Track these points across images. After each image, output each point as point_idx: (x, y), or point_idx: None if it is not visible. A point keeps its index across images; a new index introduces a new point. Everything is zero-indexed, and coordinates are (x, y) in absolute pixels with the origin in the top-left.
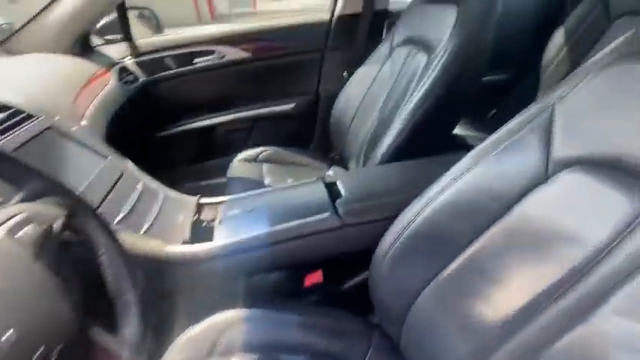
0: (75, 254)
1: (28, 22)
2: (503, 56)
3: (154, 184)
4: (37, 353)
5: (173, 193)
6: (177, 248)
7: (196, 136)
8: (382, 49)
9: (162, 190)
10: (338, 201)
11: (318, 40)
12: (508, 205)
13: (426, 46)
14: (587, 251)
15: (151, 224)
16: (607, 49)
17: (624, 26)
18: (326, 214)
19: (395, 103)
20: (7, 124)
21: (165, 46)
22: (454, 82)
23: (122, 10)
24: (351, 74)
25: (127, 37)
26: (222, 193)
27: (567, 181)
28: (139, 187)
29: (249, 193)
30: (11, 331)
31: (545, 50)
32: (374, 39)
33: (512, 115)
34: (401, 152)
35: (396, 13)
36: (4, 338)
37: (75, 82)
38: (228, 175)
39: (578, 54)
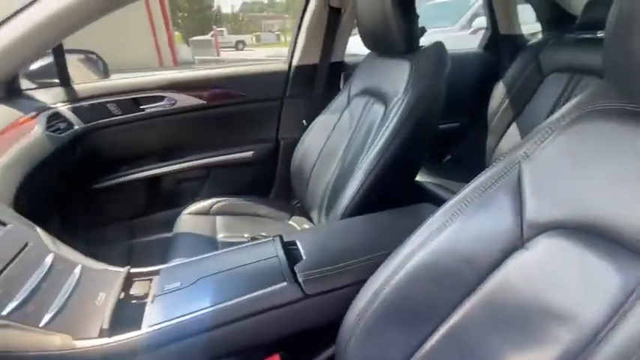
0: None
1: None
2: (454, 106)
3: (70, 253)
4: None
5: (95, 265)
6: (90, 342)
7: (141, 188)
8: (340, 98)
9: (81, 262)
10: (297, 266)
11: (277, 89)
12: (486, 272)
13: (383, 98)
14: (583, 334)
15: (57, 312)
16: (569, 106)
17: (555, 82)
18: (284, 284)
19: (355, 153)
20: None
21: (108, 91)
22: (413, 131)
23: (59, 52)
24: (309, 122)
25: (64, 82)
26: (168, 253)
27: (546, 247)
28: (48, 260)
29: (191, 259)
30: None
31: (490, 100)
32: (331, 89)
33: (468, 160)
34: (364, 203)
35: (352, 65)
36: None
37: None
38: (175, 230)
39: (519, 104)
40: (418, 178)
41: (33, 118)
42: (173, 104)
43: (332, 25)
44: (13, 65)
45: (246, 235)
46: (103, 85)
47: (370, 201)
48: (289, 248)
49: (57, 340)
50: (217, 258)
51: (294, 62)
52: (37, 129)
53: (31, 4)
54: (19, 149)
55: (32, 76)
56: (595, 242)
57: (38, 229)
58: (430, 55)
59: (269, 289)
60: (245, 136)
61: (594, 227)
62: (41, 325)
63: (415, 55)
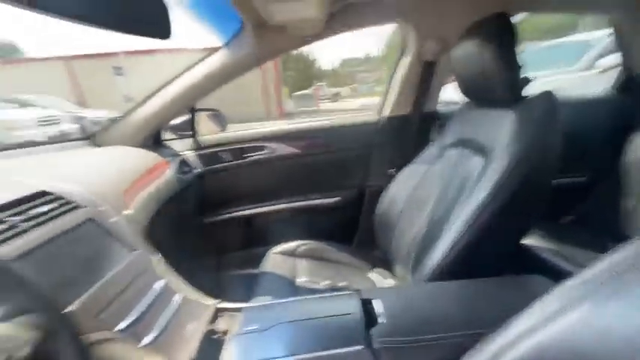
0: None
1: (116, 120)
2: (580, 157)
3: (174, 282)
4: None
5: (193, 295)
6: None
7: (241, 224)
8: (432, 149)
9: (182, 291)
10: (375, 329)
11: (366, 138)
12: None
13: (482, 149)
14: None
15: (156, 336)
16: None
17: None
18: (358, 348)
19: (447, 207)
20: (51, 213)
21: (222, 142)
22: (519, 187)
23: (192, 112)
24: (397, 171)
25: (192, 135)
26: (253, 288)
27: None
28: (157, 286)
29: (271, 302)
30: None
31: (626, 151)
32: (421, 139)
33: (595, 223)
34: (458, 266)
35: (445, 114)
36: None
37: (133, 172)
38: (261, 268)
39: None
40: (527, 240)
41: (168, 162)
42: (272, 153)
43: (425, 77)
44: (160, 122)
45: (324, 283)
46: (218, 137)
47: (465, 264)
48: (368, 306)
49: None
50: (295, 305)
51: (385, 113)
52: (169, 171)
53: (175, 78)
54: (156, 186)
55: (171, 129)
56: None
57: (155, 258)
58: (538, 105)
59: (342, 350)
60: (332, 183)
61: None
62: (141, 345)
63: (520, 104)
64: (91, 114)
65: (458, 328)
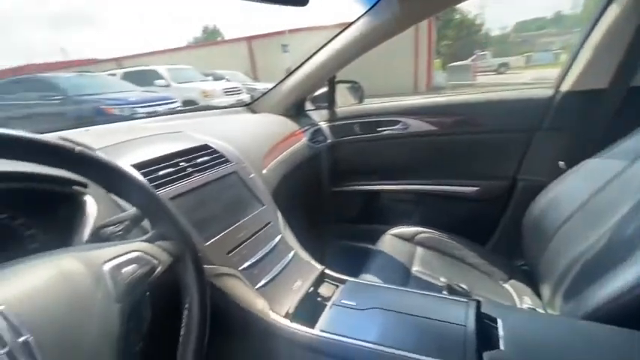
0: (159, 299)
1: (268, 91)
2: None
3: (290, 240)
4: None
5: (304, 255)
6: (276, 317)
7: (364, 198)
8: (633, 141)
9: (295, 249)
10: (489, 354)
11: (530, 119)
12: None
13: None
14: None
15: (267, 282)
16: None
17: None
18: None
19: None
20: (208, 163)
21: (358, 114)
22: None
23: (331, 83)
24: (570, 164)
25: (330, 106)
26: (363, 265)
27: None
28: (276, 239)
29: (378, 284)
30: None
31: None
32: (620, 125)
33: None
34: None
35: None
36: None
37: (274, 137)
38: (377, 246)
39: None
40: None
41: (304, 131)
42: (405, 129)
43: (637, 41)
44: (302, 93)
45: (442, 279)
46: (354, 109)
47: None
48: (488, 323)
49: (259, 304)
50: (400, 295)
51: (565, 87)
52: (303, 139)
53: (318, 50)
54: (289, 152)
55: (313, 101)
56: None
57: (279, 214)
58: None
59: None
60: (473, 170)
61: None
62: (256, 287)
63: None
64: (260, 86)
65: None
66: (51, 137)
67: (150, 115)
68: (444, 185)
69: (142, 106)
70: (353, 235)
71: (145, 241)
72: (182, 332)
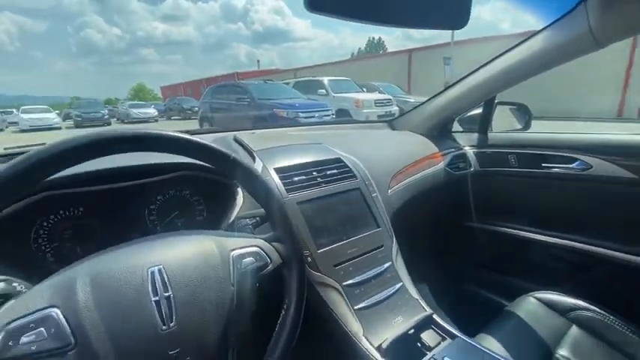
0: (264, 292)
1: (414, 109)
2: None
3: (401, 271)
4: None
5: (412, 291)
6: (372, 351)
7: (505, 243)
8: None
9: (404, 282)
10: None
11: None
12: None
13: None
14: None
15: (369, 305)
16: None
17: None
18: None
19: None
20: (336, 176)
21: (517, 142)
22: None
23: (489, 104)
24: None
25: (482, 129)
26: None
27: None
28: (385, 266)
29: (498, 356)
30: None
31: None
32: None
33: None
34: None
35: None
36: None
37: (409, 158)
38: (512, 306)
39: None
40: None
41: (444, 154)
42: (585, 170)
43: None
44: (453, 112)
45: None
46: (514, 136)
47: None
48: None
49: (355, 326)
50: None
51: None
52: (442, 163)
53: (474, 71)
54: (422, 174)
55: (462, 122)
56: None
57: (394, 240)
58: None
59: None
60: None
61: None
62: (355, 307)
63: None
64: (413, 99)
65: None
66: (227, 136)
67: (307, 118)
68: (624, 253)
69: (302, 112)
70: (481, 283)
71: (265, 239)
72: (277, 328)
